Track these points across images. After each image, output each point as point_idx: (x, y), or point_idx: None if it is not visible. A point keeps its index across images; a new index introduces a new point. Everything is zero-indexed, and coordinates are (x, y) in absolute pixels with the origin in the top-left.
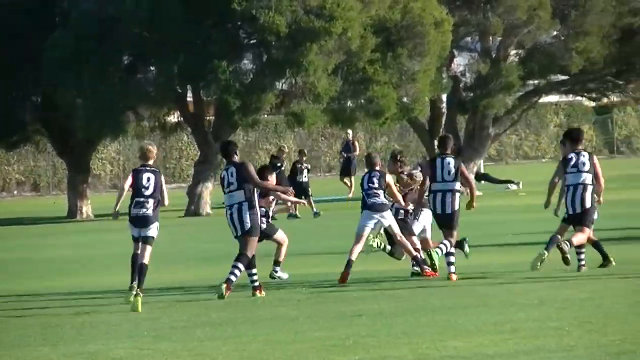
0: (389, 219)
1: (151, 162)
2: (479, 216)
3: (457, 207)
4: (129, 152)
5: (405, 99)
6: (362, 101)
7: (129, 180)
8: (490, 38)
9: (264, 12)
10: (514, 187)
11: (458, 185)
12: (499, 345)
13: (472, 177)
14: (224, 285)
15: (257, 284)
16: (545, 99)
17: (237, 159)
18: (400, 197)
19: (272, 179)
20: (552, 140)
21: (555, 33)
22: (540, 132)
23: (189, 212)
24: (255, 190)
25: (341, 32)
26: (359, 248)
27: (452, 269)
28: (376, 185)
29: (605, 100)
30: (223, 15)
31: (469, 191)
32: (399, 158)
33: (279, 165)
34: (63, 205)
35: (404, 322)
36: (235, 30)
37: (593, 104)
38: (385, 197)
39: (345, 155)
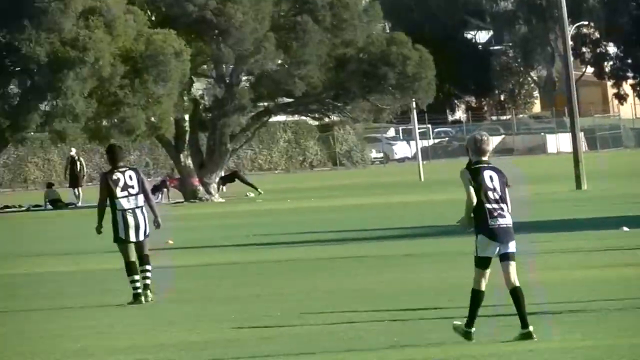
0: None
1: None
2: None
3: None
4: None
5: (152, 119)
6: (115, 120)
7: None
8: (224, 66)
9: (25, 44)
10: (251, 194)
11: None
12: None
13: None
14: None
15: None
16: (274, 119)
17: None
18: None
19: None
20: (282, 154)
21: (279, 61)
22: (272, 147)
23: None
24: None
25: (93, 61)
26: None
27: None
28: None
29: (327, 119)
30: None
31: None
32: None
33: None
34: None
35: None
36: (1, 59)
37: (316, 123)
38: None
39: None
